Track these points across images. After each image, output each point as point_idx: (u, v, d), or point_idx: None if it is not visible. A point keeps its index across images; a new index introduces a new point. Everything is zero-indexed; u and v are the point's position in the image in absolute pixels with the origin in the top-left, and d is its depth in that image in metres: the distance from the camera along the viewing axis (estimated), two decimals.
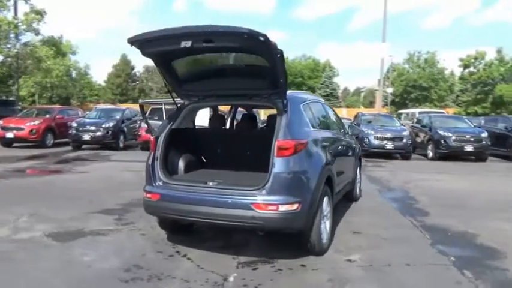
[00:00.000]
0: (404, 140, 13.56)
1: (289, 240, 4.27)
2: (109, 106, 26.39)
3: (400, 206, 6.58)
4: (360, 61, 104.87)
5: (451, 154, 13.41)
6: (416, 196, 7.28)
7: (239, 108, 6.32)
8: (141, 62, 61.10)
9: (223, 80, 4.22)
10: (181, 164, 4.49)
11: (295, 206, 3.54)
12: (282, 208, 3.51)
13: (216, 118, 5.27)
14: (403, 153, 13.73)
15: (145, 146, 14.72)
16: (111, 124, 14.79)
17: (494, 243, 4.60)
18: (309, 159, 3.82)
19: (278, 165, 3.58)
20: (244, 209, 3.54)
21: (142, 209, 5.62)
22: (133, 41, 3.54)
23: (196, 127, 5.10)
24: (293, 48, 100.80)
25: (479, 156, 13.61)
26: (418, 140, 15.07)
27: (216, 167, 4.72)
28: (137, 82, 58.34)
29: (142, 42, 3.61)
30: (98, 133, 14.44)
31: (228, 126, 5.81)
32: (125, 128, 15.42)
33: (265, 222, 3.55)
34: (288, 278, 3.57)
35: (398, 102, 43.18)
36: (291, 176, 3.60)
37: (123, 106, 24.60)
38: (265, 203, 3.51)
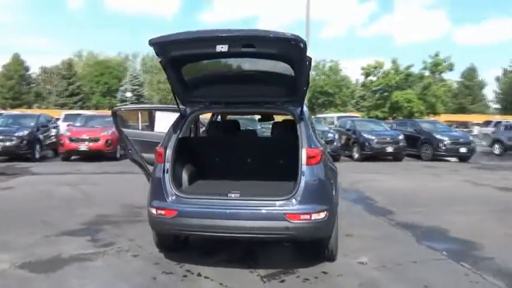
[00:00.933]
0: (335, 143, 14.39)
1: (294, 248, 4.26)
2: (19, 112, 23.36)
3: (363, 206, 6.97)
4: None
5: (373, 155, 14.63)
6: (372, 196, 7.78)
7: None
8: (36, 63, 55.30)
9: (233, 86, 4.04)
10: (184, 175, 4.18)
11: (324, 214, 3.53)
12: (314, 217, 3.47)
13: (222, 125, 5.04)
14: (335, 155, 14.54)
15: (67, 156, 13.40)
16: (25, 132, 13.07)
17: (465, 235, 5.13)
18: (327, 167, 3.85)
19: (308, 173, 3.55)
20: (278, 220, 3.43)
21: (113, 227, 5.19)
22: (156, 43, 3.20)
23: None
24: None
25: (397, 156, 15.04)
26: (343, 142, 16.13)
27: (218, 177, 4.48)
28: (33, 85, 52.62)
29: (166, 44, 3.28)
30: (10, 143, 12.67)
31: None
32: (41, 136, 13.79)
33: (298, 232, 3.48)
34: (321, 286, 3.55)
35: (308, 107, 45.64)
36: (319, 184, 3.59)
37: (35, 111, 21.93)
38: (299, 213, 3.44)
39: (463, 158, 15.17)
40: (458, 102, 52.25)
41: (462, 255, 4.39)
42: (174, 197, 3.66)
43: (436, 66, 35.79)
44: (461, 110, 51.25)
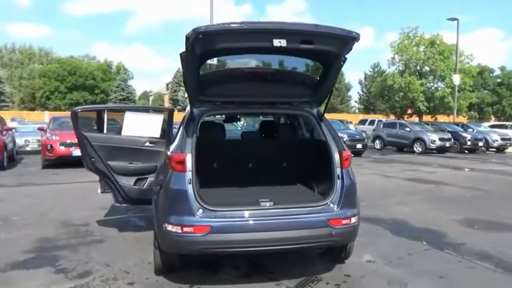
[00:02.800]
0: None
1: (298, 254, 4.16)
2: None
3: None
4: (141, 64, 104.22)
5: None
6: None
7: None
8: None
9: (250, 85, 3.68)
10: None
11: (357, 217, 3.50)
12: (353, 220, 3.42)
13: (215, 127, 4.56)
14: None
15: (51, 164, 11.16)
16: None
17: (423, 224, 5.67)
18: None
19: (345, 176, 3.47)
20: (321, 227, 3.27)
21: (71, 251, 4.39)
22: (206, 32, 2.71)
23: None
24: (62, 46, 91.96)
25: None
26: None
27: (221, 184, 4.05)
28: None
29: (218, 34, 2.82)
30: None
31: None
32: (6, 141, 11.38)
33: (341, 238, 3.39)
34: None
35: None
36: (353, 186, 3.54)
37: None
38: (340, 218, 3.34)
39: (359, 153, 16.86)
40: (330, 103, 57.65)
41: (439, 243, 4.83)
42: (201, 211, 3.20)
43: None
44: (333, 109, 56.94)
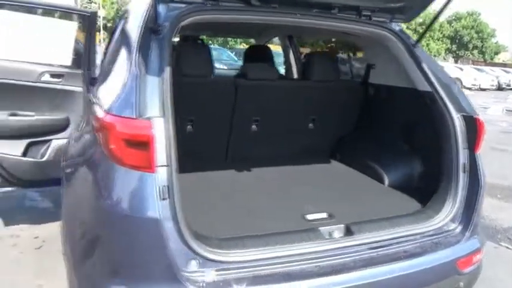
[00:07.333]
0: None
1: None
2: None
3: None
4: None
5: None
6: None
7: None
8: None
9: None
10: None
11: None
12: (483, 253, 1.76)
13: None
14: None
15: None
16: None
17: None
18: None
19: (477, 168, 1.73)
20: (445, 278, 1.58)
21: None
22: None
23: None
24: None
25: None
26: None
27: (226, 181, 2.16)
28: None
29: None
30: None
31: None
32: None
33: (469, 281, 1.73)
34: None
35: (111, 28, 39.82)
36: (483, 189, 1.80)
37: None
38: (472, 253, 1.67)
39: None
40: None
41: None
42: (195, 264, 1.34)
43: None
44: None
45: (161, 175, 1.27)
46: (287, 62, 3.70)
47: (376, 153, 2.35)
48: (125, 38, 1.66)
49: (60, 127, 2.65)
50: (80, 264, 1.49)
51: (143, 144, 1.29)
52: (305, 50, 3.71)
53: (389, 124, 2.34)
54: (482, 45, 30.65)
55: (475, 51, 39.20)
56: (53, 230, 3.03)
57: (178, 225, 1.28)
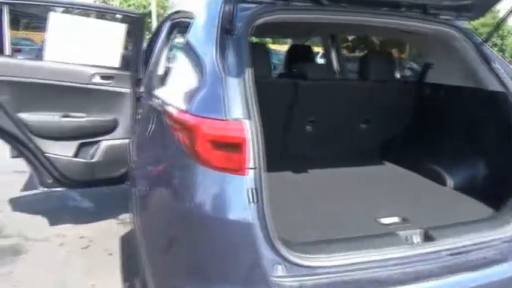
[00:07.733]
0: None
1: None
2: None
3: None
4: None
5: None
6: None
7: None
8: None
9: None
10: None
11: None
12: None
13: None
14: None
15: None
16: None
17: None
18: None
19: None
20: None
21: None
22: None
23: None
24: None
25: None
26: None
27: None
28: None
29: None
30: None
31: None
32: None
33: None
34: None
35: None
36: None
37: None
38: None
39: None
40: None
41: None
42: (281, 269, 1.30)
43: None
44: None
45: (251, 178, 1.27)
46: (328, 61, 3.65)
47: (436, 155, 2.28)
48: (195, 40, 1.64)
49: (108, 128, 2.67)
50: (159, 265, 1.49)
51: (234, 146, 1.28)
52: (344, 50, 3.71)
53: (449, 125, 2.27)
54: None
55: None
56: (97, 230, 3.06)
57: (266, 229, 1.27)
